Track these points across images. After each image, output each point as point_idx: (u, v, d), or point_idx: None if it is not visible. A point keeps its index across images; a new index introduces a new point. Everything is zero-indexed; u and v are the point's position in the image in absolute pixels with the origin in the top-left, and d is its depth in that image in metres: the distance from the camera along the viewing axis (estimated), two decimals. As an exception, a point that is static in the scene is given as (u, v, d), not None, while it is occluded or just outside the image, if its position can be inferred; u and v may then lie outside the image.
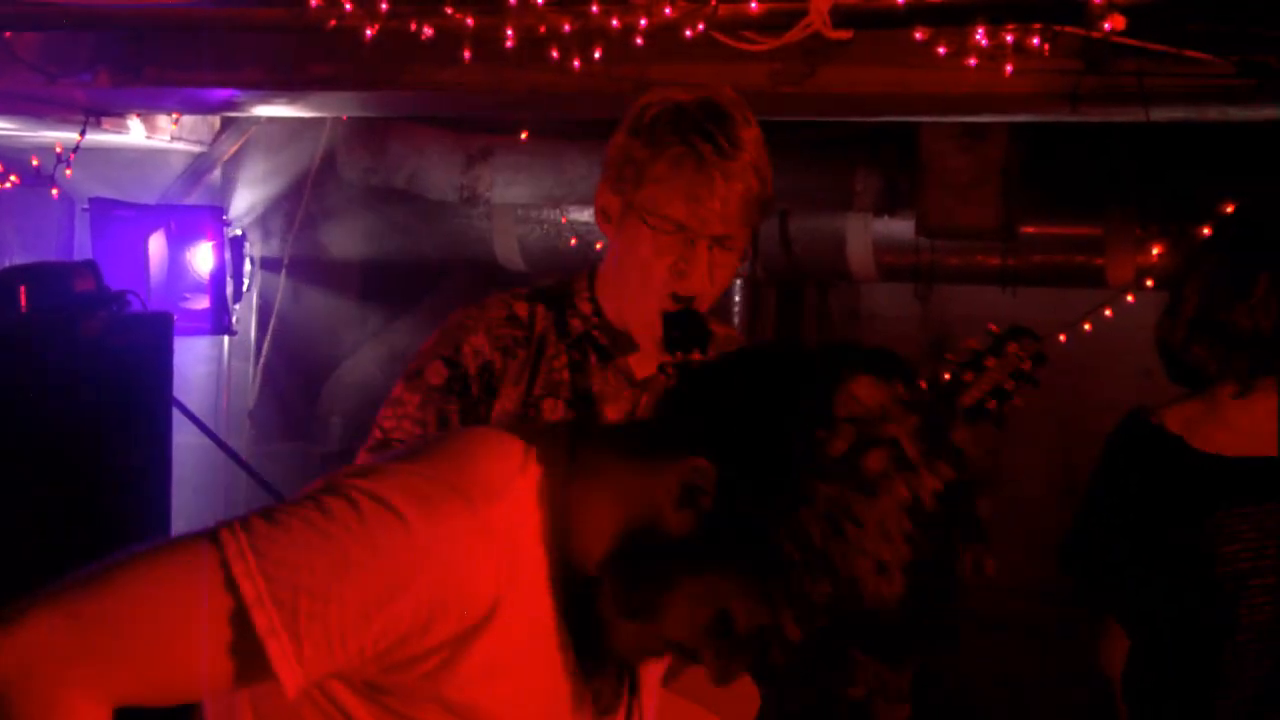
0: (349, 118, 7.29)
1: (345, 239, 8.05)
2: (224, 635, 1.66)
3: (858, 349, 1.73)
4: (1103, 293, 6.70)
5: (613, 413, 2.95)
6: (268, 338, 7.95)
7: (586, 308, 3.07)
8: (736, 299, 7.93)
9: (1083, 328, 6.56)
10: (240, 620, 1.67)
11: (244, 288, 7.10)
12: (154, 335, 5.39)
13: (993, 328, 3.68)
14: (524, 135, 7.40)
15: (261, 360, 7.95)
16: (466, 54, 5.01)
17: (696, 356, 2.79)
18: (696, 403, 1.77)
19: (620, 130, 2.99)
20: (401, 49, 5.16)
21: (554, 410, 2.94)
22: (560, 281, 3.16)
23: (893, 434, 1.66)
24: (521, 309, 3.07)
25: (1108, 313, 6.55)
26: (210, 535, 1.71)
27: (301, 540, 1.69)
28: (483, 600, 1.74)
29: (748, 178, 2.86)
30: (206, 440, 6.48)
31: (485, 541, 1.74)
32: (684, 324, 2.89)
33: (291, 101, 5.84)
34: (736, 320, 7.93)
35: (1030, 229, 6.86)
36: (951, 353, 3.76)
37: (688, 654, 1.81)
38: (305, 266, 8.10)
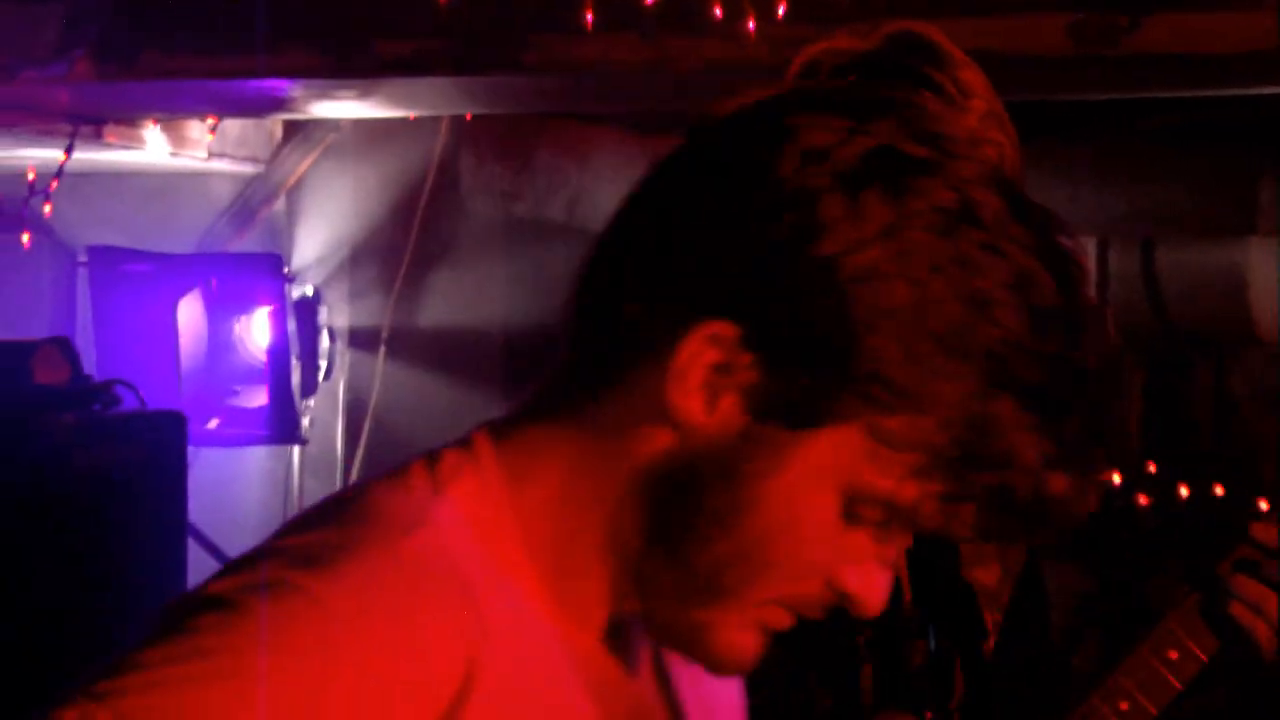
0: (474, 117, 6.52)
1: (477, 297, 7.10)
2: None
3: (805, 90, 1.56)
4: None
5: None
6: (360, 449, 6.96)
7: None
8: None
9: None
10: None
11: (320, 374, 6.34)
12: (155, 445, 4.69)
13: None
14: None
15: (352, 482, 7.45)
16: (588, 17, 4.48)
17: None
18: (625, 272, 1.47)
19: None
20: (501, 13, 4.67)
21: None
22: None
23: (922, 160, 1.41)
24: None
25: None
26: None
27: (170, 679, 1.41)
28: (446, 667, 1.46)
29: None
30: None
31: (424, 584, 1.48)
32: None
33: (362, 94, 5.14)
34: None
35: None
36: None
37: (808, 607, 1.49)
38: (416, 340, 7.01)
